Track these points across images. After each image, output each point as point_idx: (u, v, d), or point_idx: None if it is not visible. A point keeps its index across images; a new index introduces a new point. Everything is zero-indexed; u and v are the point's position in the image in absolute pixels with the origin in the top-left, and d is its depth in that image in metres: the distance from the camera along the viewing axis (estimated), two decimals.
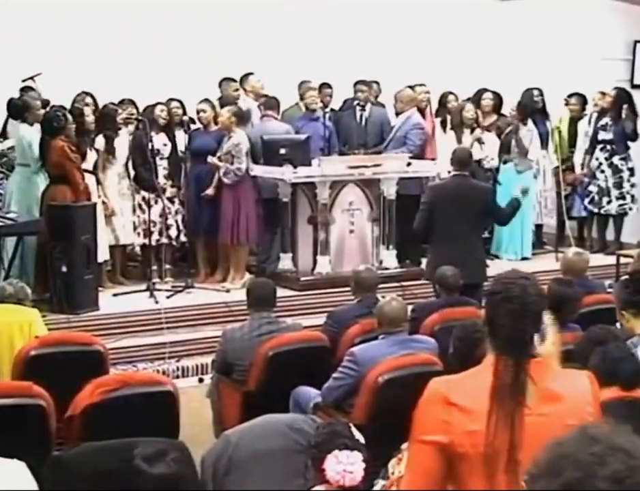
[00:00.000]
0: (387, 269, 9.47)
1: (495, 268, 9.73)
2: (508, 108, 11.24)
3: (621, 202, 11.28)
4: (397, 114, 10.46)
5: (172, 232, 9.67)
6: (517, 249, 10.91)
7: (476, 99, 11.21)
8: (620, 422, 1.85)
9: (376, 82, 11.27)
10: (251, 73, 10.81)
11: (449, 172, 8.36)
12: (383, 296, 6.38)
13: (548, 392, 2.73)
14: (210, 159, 9.39)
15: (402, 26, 12.45)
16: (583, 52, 12.24)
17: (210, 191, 9.49)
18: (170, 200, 9.65)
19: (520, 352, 2.74)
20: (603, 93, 11.38)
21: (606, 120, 11.25)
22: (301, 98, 10.74)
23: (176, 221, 9.67)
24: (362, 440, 3.20)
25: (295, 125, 10.19)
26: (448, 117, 10.97)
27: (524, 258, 10.81)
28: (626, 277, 5.65)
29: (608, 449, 1.71)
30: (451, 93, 11.25)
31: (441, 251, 7.72)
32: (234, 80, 10.64)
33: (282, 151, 9.32)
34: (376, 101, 11.13)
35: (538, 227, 11.66)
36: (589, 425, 1.80)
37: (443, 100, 11.22)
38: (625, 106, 11.10)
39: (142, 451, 3.12)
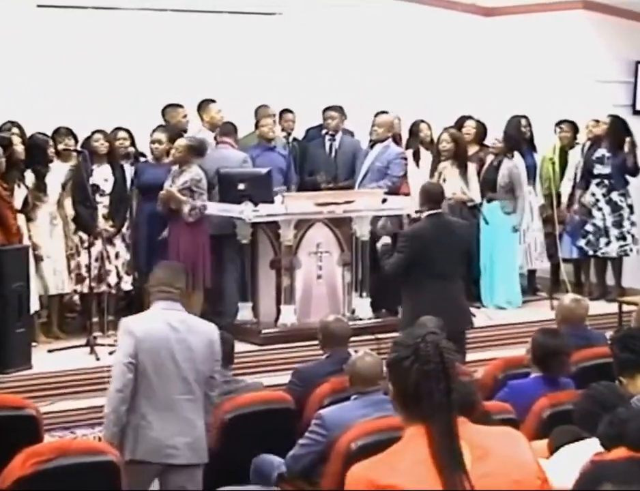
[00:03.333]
0: (360, 319, 9.45)
1: (480, 317, 9.78)
2: (492, 138, 11.00)
3: (621, 243, 11.15)
4: (375, 141, 10.39)
5: (112, 279, 9.58)
6: (493, 298, 10.73)
7: (457, 127, 11.20)
8: (629, 481, 1.91)
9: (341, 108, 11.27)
10: (212, 101, 10.63)
11: (416, 212, 8.39)
12: (356, 351, 6.36)
13: (481, 450, 2.75)
14: (168, 189, 9.26)
15: (375, 46, 12.53)
16: (576, 75, 12.30)
17: (165, 232, 9.44)
18: (110, 242, 9.57)
19: (449, 416, 2.75)
20: (597, 121, 11.35)
21: (602, 151, 11.14)
22: (257, 125, 10.67)
23: (116, 267, 9.60)
24: None
25: (248, 154, 10.09)
26: (421, 148, 10.95)
27: (501, 308, 10.67)
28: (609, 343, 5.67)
29: None
30: (423, 121, 11.21)
31: (420, 299, 7.74)
32: (180, 106, 10.60)
33: (241, 186, 9.27)
34: (345, 130, 11.09)
35: (531, 272, 11.62)
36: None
37: (414, 129, 11.17)
38: (628, 139, 10.97)
39: None
